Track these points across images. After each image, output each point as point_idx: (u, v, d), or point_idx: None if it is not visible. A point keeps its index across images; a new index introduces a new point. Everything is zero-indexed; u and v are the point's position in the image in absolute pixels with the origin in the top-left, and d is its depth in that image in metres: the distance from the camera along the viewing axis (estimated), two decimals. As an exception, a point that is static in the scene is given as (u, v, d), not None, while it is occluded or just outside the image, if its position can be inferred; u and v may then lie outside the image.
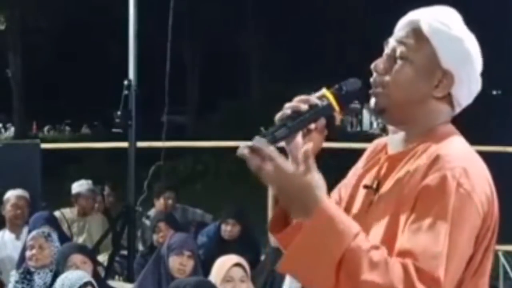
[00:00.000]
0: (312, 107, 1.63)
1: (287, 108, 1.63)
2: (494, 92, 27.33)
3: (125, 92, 5.57)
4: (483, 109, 20.78)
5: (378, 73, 1.70)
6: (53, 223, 5.39)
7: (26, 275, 4.46)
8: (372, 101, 1.71)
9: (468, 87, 1.70)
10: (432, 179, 1.55)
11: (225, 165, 15.02)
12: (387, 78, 1.69)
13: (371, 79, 1.72)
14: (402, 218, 1.57)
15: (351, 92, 1.67)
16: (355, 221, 1.61)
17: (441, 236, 1.50)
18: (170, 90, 5.96)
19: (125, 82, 5.60)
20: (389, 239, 1.57)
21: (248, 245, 5.37)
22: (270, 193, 7.33)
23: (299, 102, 1.64)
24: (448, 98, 1.70)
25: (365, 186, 1.74)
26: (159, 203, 6.43)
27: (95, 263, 4.45)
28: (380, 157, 1.77)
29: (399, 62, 1.68)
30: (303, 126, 1.63)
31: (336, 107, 1.65)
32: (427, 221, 1.52)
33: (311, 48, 22.50)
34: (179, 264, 4.18)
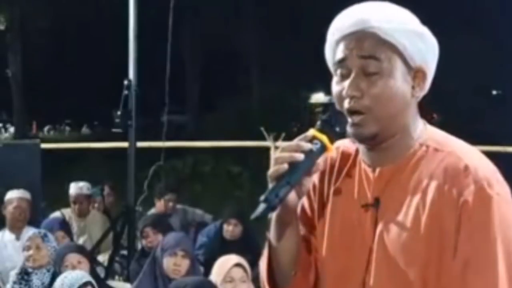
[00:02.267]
0: (307, 153, 1.52)
1: (282, 161, 1.51)
2: (494, 92, 27.34)
3: (125, 92, 5.57)
4: (483, 109, 20.83)
5: (354, 98, 1.56)
6: (67, 228, 5.45)
7: (24, 276, 4.46)
8: (356, 130, 1.58)
9: (431, 75, 1.64)
10: (470, 193, 1.50)
11: (225, 165, 15.02)
12: (366, 100, 1.56)
13: (346, 107, 1.57)
14: (449, 232, 1.51)
15: (343, 128, 1.57)
16: (359, 242, 1.59)
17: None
18: (170, 90, 5.96)
19: (125, 82, 5.60)
20: (435, 252, 1.51)
21: (249, 245, 5.36)
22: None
23: (292, 151, 1.51)
24: None
25: (364, 205, 1.62)
26: (160, 204, 6.44)
27: (92, 262, 4.44)
28: (356, 173, 1.66)
29: (374, 78, 1.56)
30: (303, 176, 1.54)
31: (331, 148, 1.56)
32: (487, 255, 1.48)
33: (311, 48, 22.49)
34: (174, 264, 4.15)
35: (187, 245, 4.33)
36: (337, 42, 1.62)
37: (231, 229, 5.68)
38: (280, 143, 7.38)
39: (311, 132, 1.55)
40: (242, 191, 12.76)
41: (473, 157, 1.57)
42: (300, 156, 1.51)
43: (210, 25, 22.94)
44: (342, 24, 1.61)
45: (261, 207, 1.48)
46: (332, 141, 1.56)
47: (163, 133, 6.07)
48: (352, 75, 1.57)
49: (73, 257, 4.22)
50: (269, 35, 23.19)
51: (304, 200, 1.70)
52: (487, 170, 1.55)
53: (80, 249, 4.44)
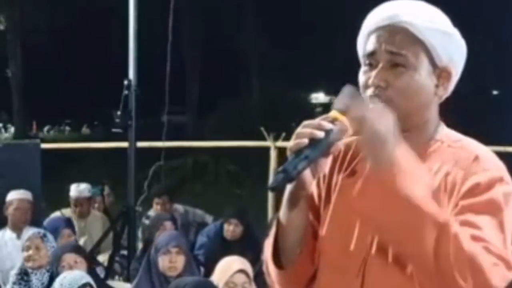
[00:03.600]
0: (327, 132, 1.55)
1: (303, 136, 1.54)
2: (494, 92, 27.35)
3: (125, 92, 5.57)
4: (483, 109, 20.83)
5: (379, 88, 1.62)
6: (72, 226, 5.47)
7: (23, 276, 4.46)
8: None
9: (457, 77, 1.69)
10: (479, 177, 1.56)
11: (225, 165, 15.02)
12: (390, 92, 1.62)
13: (370, 94, 1.63)
14: (450, 206, 1.56)
15: None
16: (362, 226, 1.62)
17: (502, 225, 1.52)
18: (170, 90, 5.96)
19: (125, 82, 5.60)
20: None
21: (250, 245, 5.35)
22: (270, 194, 7.33)
23: (313, 128, 1.55)
24: None
25: None
26: (156, 204, 6.43)
27: (90, 262, 4.41)
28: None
29: (400, 72, 1.62)
30: (322, 154, 1.57)
31: (351, 130, 1.58)
32: (486, 212, 1.52)
33: (311, 48, 22.50)
34: (169, 262, 4.15)
35: (180, 241, 4.31)
36: (369, 34, 1.67)
37: (231, 229, 5.67)
38: (280, 143, 7.38)
39: (333, 113, 1.58)
40: (242, 191, 12.77)
41: (485, 152, 1.62)
42: (321, 134, 1.54)
43: (210, 25, 22.94)
44: (375, 17, 1.67)
45: (279, 177, 1.51)
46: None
47: (163, 133, 6.06)
48: (379, 66, 1.63)
49: (70, 257, 4.20)
50: (269, 35, 23.20)
51: (313, 188, 1.74)
52: (498, 164, 1.61)
53: (77, 249, 4.42)
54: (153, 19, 9.85)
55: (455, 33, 1.67)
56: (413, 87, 1.61)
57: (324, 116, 1.59)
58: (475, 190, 1.55)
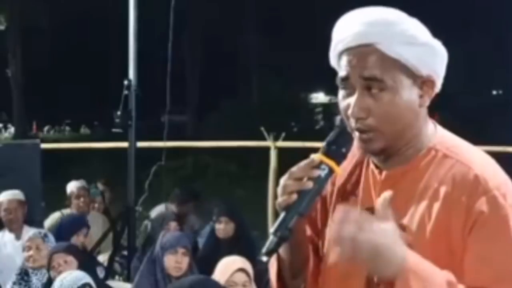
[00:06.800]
0: (315, 180, 1.49)
1: (290, 190, 1.48)
2: (494, 92, 27.38)
3: (125, 92, 5.57)
4: (483, 109, 20.84)
5: (360, 119, 1.53)
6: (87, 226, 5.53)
7: (24, 276, 4.46)
8: (364, 145, 1.56)
9: (440, 82, 1.60)
10: (483, 204, 1.49)
11: (225, 165, 15.02)
12: (372, 121, 1.53)
13: (353, 126, 1.55)
14: (457, 239, 1.50)
15: (349, 148, 1.56)
16: None
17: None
18: (170, 90, 5.96)
19: (125, 82, 5.60)
20: (441, 258, 1.50)
21: (243, 243, 5.24)
22: (270, 194, 7.33)
23: (300, 178, 1.49)
24: None
25: (369, 208, 1.57)
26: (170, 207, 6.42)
27: (83, 261, 4.37)
28: (362, 174, 1.64)
29: (379, 96, 1.52)
30: (313, 204, 1.51)
31: (339, 171, 1.54)
32: (501, 251, 1.48)
33: (311, 48, 22.52)
34: (175, 262, 4.17)
35: (187, 243, 4.36)
36: (340, 54, 1.58)
37: (222, 227, 5.52)
38: (280, 143, 7.38)
39: (318, 156, 1.52)
40: (242, 191, 12.77)
41: (483, 166, 1.54)
42: (309, 185, 1.49)
43: (211, 25, 22.96)
44: (345, 36, 1.56)
45: (273, 240, 1.47)
46: (339, 163, 1.54)
47: (164, 133, 6.06)
48: (356, 95, 1.54)
49: (59, 257, 4.19)
50: (269, 35, 23.22)
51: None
52: (498, 179, 1.54)
53: (67, 249, 4.36)
54: (153, 19, 9.84)
55: (432, 42, 1.56)
56: (395, 110, 1.52)
57: (309, 160, 1.53)
58: (481, 223, 1.48)
